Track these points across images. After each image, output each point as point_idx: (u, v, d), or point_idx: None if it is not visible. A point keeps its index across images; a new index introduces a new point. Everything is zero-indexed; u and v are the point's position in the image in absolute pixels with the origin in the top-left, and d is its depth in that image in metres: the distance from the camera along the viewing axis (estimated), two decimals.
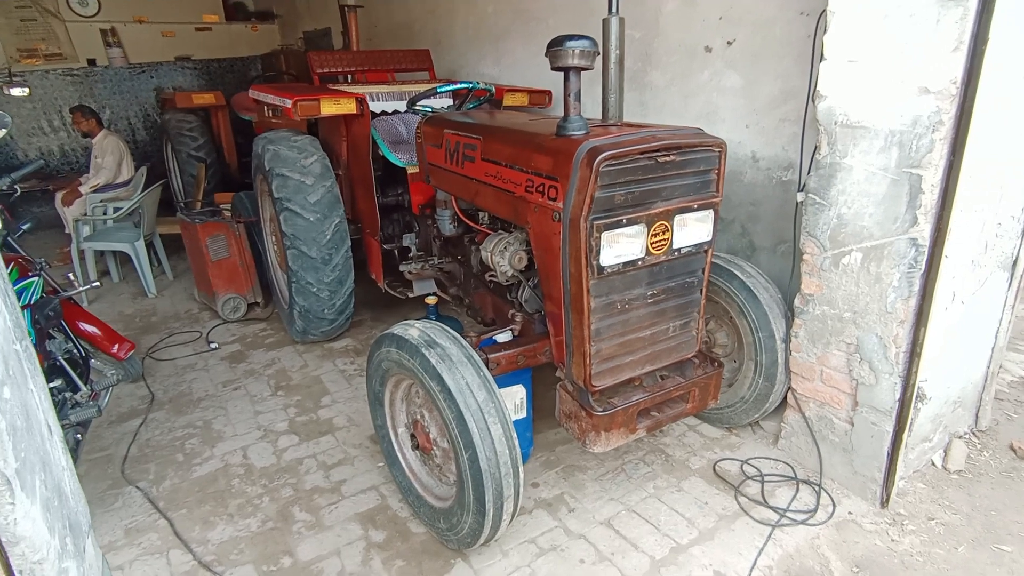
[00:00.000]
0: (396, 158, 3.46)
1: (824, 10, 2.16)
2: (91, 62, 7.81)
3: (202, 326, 4.28)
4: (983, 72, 1.80)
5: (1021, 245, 2.51)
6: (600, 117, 2.27)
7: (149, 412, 3.22)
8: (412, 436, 2.30)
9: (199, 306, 4.64)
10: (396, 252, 3.63)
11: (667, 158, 1.95)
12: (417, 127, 3.02)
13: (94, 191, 5.44)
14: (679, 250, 2.10)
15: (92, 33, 7.72)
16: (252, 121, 5.70)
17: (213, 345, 3.95)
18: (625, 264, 1.99)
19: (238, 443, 2.93)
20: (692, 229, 2.10)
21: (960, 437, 2.71)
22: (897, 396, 2.20)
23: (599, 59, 2.07)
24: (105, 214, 5.03)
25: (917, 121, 1.95)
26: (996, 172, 2.15)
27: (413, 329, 2.10)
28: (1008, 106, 2.03)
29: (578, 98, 2.01)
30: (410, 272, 3.39)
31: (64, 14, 7.53)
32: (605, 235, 1.90)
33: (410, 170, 3.42)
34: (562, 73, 1.96)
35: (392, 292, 3.64)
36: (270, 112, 3.97)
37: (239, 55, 8.83)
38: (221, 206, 4.81)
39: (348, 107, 3.29)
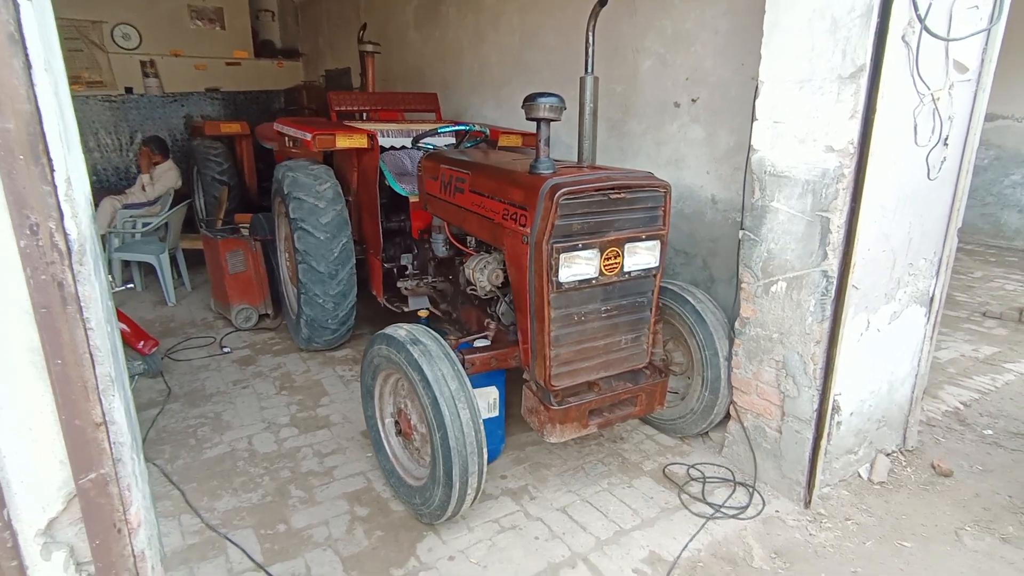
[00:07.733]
0: (401, 188, 3.90)
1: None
2: (128, 90, 8.44)
3: (216, 332, 4.68)
4: (874, 135, 2.21)
5: (936, 284, 2.88)
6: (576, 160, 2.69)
7: (166, 403, 3.59)
8: (396, 423, 2.66)
9: (214, 315, 5.04)
10: (395, 270, 4.04)
11: (618, 195, 2.36)
12: (419, 161, 3.46)
13: (124, 207, 5.93)
14: (629, 273, 2.49)
15: (132, 64, 8.39)
16: (273, 150, 6.21)
17: (226, 349, 4.34)
18: (580, 281, 2.37)
19: (244, 432, 3.28)
20: (641, 256, 2.49)
21: (888, 454, 3.02)
22: (815, 407, 2.55)
23: (576, 110, 2.51)
24: (135, 228, 5.50)
25: (825, 173, 2.35)
26: (900, 217, 2.54)
27: (401, 330, 2.48)
28: (895, 162, 2.43)
29: (547, 143, 2.43)
30: (406, 288, 3.79)
31: (108, 46, 8.22)
32: (563, 256, 2.29)
33: (412, 199, 3.85)
34: (535, 122, 2.39)
35: (390, 307, 4.04)
36: (290, 143, 4.45)
37: (264, 88, 9.46)
38: (240, 225, 5.26)
39: (360, 141, 3.75)
